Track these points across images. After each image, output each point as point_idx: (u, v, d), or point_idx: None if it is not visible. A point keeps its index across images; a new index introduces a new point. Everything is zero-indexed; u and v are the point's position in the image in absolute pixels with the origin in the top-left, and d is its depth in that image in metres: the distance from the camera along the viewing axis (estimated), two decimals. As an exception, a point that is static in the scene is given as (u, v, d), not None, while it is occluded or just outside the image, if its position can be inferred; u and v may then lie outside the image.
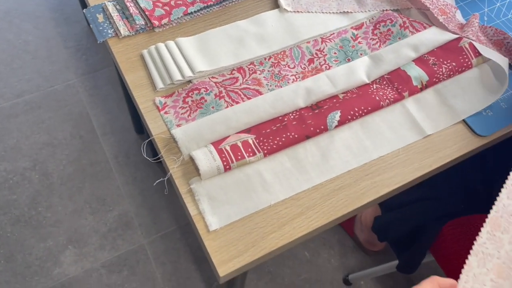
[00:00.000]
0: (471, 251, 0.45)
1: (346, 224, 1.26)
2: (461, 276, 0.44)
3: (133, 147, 1.37)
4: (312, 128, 0.59)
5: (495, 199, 0.77)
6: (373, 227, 0.95)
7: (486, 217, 0.69)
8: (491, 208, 0.75)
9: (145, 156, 0.57)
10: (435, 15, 0.67)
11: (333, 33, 0.68)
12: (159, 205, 1.28)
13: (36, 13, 1.63)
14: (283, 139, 0.58)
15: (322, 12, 0.69)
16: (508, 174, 0.77)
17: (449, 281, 0.42)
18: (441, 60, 0.65)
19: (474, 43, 0.65)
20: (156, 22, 0.66)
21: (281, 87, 0.63)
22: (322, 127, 0.59)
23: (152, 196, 1.30)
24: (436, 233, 0.77)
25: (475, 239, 0.69)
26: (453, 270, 0.75)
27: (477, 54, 0.65)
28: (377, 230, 0.94)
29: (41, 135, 1.37)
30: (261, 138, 0.58)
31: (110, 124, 1.41)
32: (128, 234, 1.24)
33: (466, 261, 0.44)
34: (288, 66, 0.65)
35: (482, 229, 0.45)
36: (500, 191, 0.77)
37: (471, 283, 0.43)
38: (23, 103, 1.43)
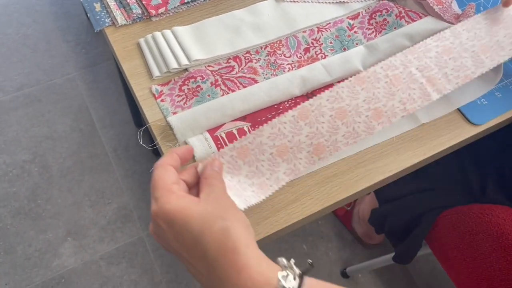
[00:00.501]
0: (269, 122, 0.50)
1: (344, 218, 1.27)
2: (249, 134, 0.49)
3: (132, 140, 1.38)
4: (307, 116, 0.59)
5: (488, 192, 0.77)
6: (370, 219, 0.96)
7: (480, 207, 0.70)
8: (485, 200, 0.76)
9: (141, 143, 0.57)
10: (431, 4, 0.67)
11: (329, 23, 0.68)
12: (158, 198, 1.29)
13: (35, 7, 1.64)
14: (278, 127, 0.58)
15: (318, 2, 0.70)
16: (501, 168, 0.78)
17: (185, 147, 0.46)
18: (436, 49, 0.65)
19: (469, 32, 0.66)
20: (153, 11, 0.66)
21: (276, 75, 0.63)
22: (317, 115, 0.60)
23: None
24: (431, 223, 0.77)
25: (469, 229, 0.70)
26: (448, 259, 0.76)
27: (472, 43, 0.65)
28: (374, 222, 0.95)
29: (40, 128, 1.38)
30: (257, 126, 0.58)
31: (109, 118, 1.41)
32: (127, 226, 1.24)
33: (260, 127, 0.50)
34: (284, 55, 0.65)
35: (290, 111, 0.50)
36: (492, 184, 0.78)
37: (254, 145, 0.48)
38: (23, 96, 1.44)
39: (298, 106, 0.50)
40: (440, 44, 0.57)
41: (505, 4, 0.59)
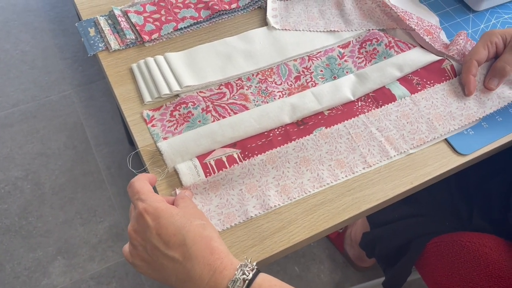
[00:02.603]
0: (240, 163, 0.57)
1: (336, 240, 1.26)
2: (221, 172, 0.56)
3: (126, 158, 1.38)
4: (296, 144, 0.60)
5: (474, 219, 0.78)
6: (360, 243, 0.96)
7: (469, 236, 0.71)
8: (472, 227, 0.77)
9: (130, 168, 0.58)
10: (421, 35, 0.68)
11: (320, 51, 0.70)
12: (150, 217, 1.28)
13: (34, 24, 1.66)
14: (267, 154, 0.59)
15: (310, 31, 0.71)
16: (487, 196, 0.79)
17: (151, 174, 0.53)
18: (424, 80, 0.66)
19: (455, 65, 0.67)
20: (146, 37, 0.67)
21: (267, 103, 0.64)
22: (306, 143, 0.60)
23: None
24: (420, 250, 0.78)
25: (458, 257, 0.70)
26: (437, 286, 0.76)
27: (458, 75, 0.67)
28: (364, 246, 0.95)
29: (34, 144, 1.38)
30: (246, 153, 0.59)
31: (104, 135, 1.42)
32: (118, 245, 1.24)
33: (232, 166, 0.57)
34: (275, 83, 0.66)
35: (259, 155, 0.58)
36: (479, 211, 0.79)
37: (225, 181, 0.56)
38: (18, 112, 1.45)
39: (267, 152, 0.58)
40: (400, 109, 0.64)
41: (468, 94, 0.65)
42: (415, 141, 0.61)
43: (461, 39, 0.69)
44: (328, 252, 1.27)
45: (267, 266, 1.21)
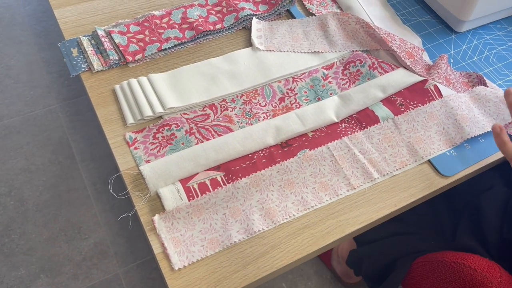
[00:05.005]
0: (224, 187, 0.56)
1: (324, 256, 1.26)
2: (204, 195, 0.55)
3: (112, 174, 1.36)
4: (280, 166, 0.60)
5: (460, 237, 0.78)
6: (347, 261, 0.96)
7: (453, 256, 0.71)
8: (457, 245, 0.77)
9: (111, 191, 0.57)
10: (403, 58, 0.69)
11: (304, 73, 0.70)
12: (137, 233, 1.27)
13: (20, 38, 1.64)
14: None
15: (294, 52, 0.71)
16: (473, 215, 0.79)
17: None
18: (407, 101, 0.67)
19: (439, 85, 0.67)
20: (129, 58, 0.67)
21: (251, 124, 0.64)
22: (290, 165, 0.60)
23: (130, 224, 1.28)
24: (406, 269, 0.77)
25: (443, 277, 0.70)
26: (423, 308, 0.75)
27: (442, 96, 0.67)
28: (351, 264, 0.95)
29: (18, 160, 1.36)
30: (230, 175, 0.59)
31: (89, 151, 1.40)
32: (103, 263, 1.22)
33: (216, 189, 0.56)
34: (260, 104, 0.66)
35: (243, 178, 0.57)
36: (464, 230, 0.79)
37: (209, 205, 0.55)
38: (2, 127, 1.42)
39: (251, 175, 0.58)
40: (382, 132, 0.64)
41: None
42: (397, 164, 0.62)
43: (443, 62, 0.70)
44: (315, 268, 1.27)
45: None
